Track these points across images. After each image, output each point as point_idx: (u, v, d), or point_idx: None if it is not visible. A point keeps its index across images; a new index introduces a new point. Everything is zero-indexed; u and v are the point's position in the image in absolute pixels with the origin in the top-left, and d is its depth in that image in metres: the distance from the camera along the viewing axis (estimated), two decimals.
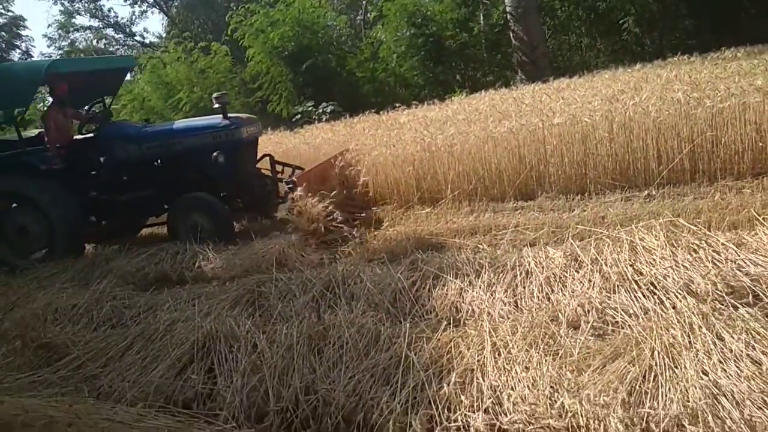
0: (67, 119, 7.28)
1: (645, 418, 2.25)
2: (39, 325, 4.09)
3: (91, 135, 7.27)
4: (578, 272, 3.67)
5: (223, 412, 2.79)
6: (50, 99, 7.68)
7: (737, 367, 2.36)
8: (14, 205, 6.93)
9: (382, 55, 18.26)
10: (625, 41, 16.87)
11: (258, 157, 7.37)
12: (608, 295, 3.39)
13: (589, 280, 3.55)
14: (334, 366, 3.02)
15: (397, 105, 11.16)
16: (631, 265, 3.53)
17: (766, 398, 2.17)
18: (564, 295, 3.50)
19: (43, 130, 7.33)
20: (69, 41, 35.25)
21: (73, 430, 1.91)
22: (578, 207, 5.72)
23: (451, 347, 2.96)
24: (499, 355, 2.82)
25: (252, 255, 5.51)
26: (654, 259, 3.54)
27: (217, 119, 6.87)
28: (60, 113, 7.16)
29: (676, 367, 2.44)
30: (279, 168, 7.36)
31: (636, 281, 3.40)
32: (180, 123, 7.75)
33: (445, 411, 2.54)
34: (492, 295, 3.68)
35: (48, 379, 3.37)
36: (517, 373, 2.67)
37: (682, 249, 3.59)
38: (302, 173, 6.64)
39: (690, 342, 2.56)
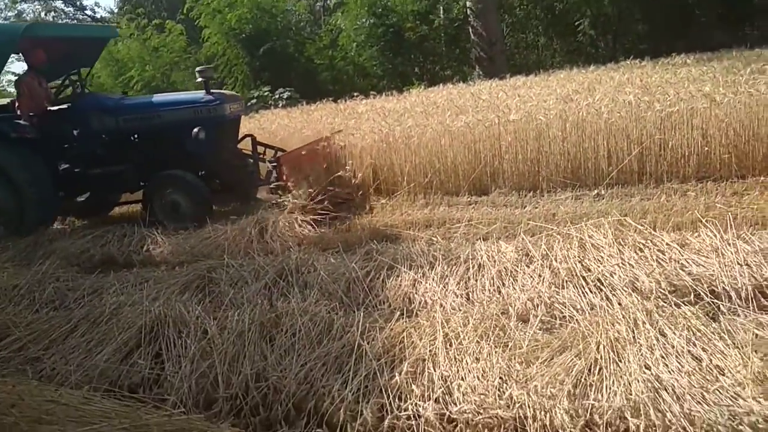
0: (43, 88, 6.96)
1: (589, 410, 2.31)
2: None
3: (65, 106, 6.93)
4: (529, 267, 3.74)
5: (171, 398, 2.74)
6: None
7: (678, 362, 2.46)
8: None
9: (341, 43, 18.19)
10: (580, 42, 17.25)
11: (239, 137, 7.14)
12: (557, 290, 3.46)
13: (539, 275, 3.62)
14: (286, 354, 3.00)
15: (355, 94, 11.14)
16: (579, 262, 3.62)
17: (705, 393, 2.26)
18: (515, 289, 3.56)
19: (14, 98, 7.01)
20: (16, 12, 33.75)
21: (16, 411, 1.85)
22: (530, 203, 5.82)
23: (403, 337, 2.98)
24: (451, 345, 2.85)
25: (203, 240, 5.41)
26: (602, 257, 3.64)
27: (199, 94, 6.63)
28: (35, 80, 6.83)
29: (621, 361, 2.52)
30: (260, 150, 7.12)
31: (584, 277, 3.49)
32: (160, 96, 7.43)
33: (396, 400, 2.56)
34: (445, 287, 3.71)
35: None
36: (467, 363, 2.70)
37: (628, 247, 3.70)
38: (286, 154, 6.46)
39: (634, 337, 2.65)
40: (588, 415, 2.30)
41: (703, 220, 4.06)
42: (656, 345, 2.58)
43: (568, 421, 2.28)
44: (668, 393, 2.30)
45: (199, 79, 6.56)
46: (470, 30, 15.95)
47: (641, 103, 6.14)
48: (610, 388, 2.40)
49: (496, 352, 2.77)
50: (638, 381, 2.38)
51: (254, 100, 15.00)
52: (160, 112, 6.61)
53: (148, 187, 6.52)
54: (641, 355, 2.53)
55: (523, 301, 3.38)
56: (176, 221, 6.03)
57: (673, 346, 2.56)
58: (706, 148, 5.75)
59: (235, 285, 4.06)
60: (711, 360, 2.46)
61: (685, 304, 2.99)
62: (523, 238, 4.08)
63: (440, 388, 2.58)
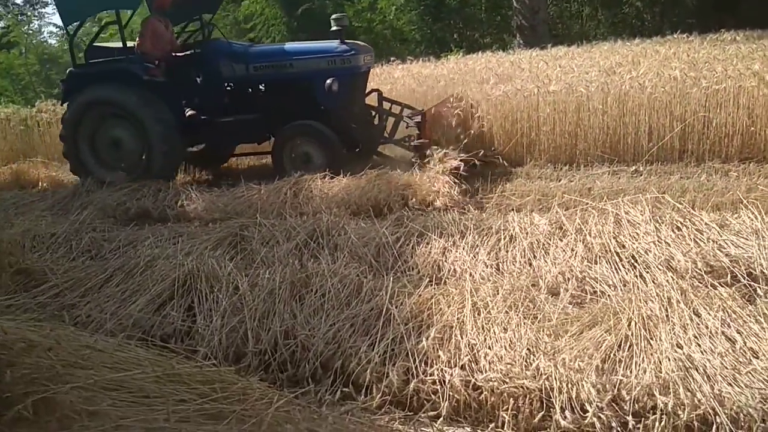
0: (168, 32, 6.75)
1: (617, 385, 2.29)
2: (17, 251, 4.04)
3: (192, 51, 6.77)
4: (562, 241, 3.69)
5: (202, 349, 2.80)
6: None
7: (711, 343, 2.42)
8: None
9: (380, 6, 17.94)
10: (625, 14, 16.78)
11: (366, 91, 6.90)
12: (589, 265, 3.42)
13: (572, 249, 3.57)
14: (315, 313, 3.03)
15: (392, 59, 11.00)
16: (614, 238, 3.56)
17: (737, 375, 2.23)
18: (546, 262, 3.53)
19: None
20: None
21: (53, 354, 1.90)
22: (565, 177, 5.75)
23: (431, 304, 2.98)
24: (479, 314, 2.84)
25: (237, 198, 5.47)
26: (637, 233, 3.57)
27: (333, 43, 6.38)
28: (161, 23, 6.64)
29: (652, 339, 2.49)
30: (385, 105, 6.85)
31: (618, 253, 3.43)
32: (292, 44, 7.13)
33: (422, 365, 2.57)
34: (475, 256, 3.69)
35: (25, 304, 3.35)
36: (495, 333, 2.70)
37: (665, 225, 3.62)
38: (429, 110, 6.06)
39: (667, 315, 2.61)
40: (615, 390, 2.28)
41: (744, 202, 3.95)
42: (689, 324, 2.54)
43: (594, 395, 2.26)
44: (699, 373, 2.27)
45: (335, 28, 6.29)
46: None
47: (687, 78, 5.96)
48: (639, 365, 2.37)
49: (524, 323, 2.76)
50: (669, 359, 2.34)
51: None
52: (293, 61, 6.39)
53: (278, 136, 6.33)
54: (674, 333, 2.50)
55: (554, 275, 3.35)
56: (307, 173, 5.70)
57: (706, 327, 2.51)
58: (752, 128, 5.59)
59: (267, 244, 4.10)
60: (745, 342, 2.42)
61: (722, 285, 2.93)
62: (557, 212, 4.02)
63: (467, 355, 2.58)
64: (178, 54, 6.75)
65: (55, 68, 19.29)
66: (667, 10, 16.45)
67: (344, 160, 6.05)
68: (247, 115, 6.47)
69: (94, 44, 7.08)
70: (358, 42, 6.82)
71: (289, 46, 6.96)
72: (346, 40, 6.38)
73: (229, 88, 6.67)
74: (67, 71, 6.72)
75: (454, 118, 6.22)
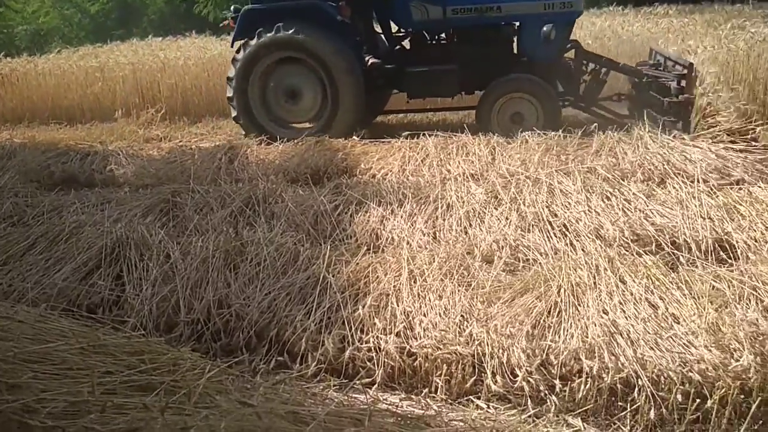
0: None
1: (546, 350, 2.37)
2: None
3: None
4: (497, 209, 3.75)
5: (131, 320, 2.72)
6: None
7: (635, 309, 2.51)
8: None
9: None
10: None
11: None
12: (523, 233, 3.49)
13: (506, 218, 3.64)
14: (250, 282, 2.99)
15: None
16: (547, 207, 3.65)
17: (658, 340, 2.32)
18: (481, 230, 3.57)
19: None
20: None
21: None
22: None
23: (368, 272, 2.98)
24: (415, 282, 2.86)
25: (169, 163, 5.30)
26: (569, 203, 3.67)
27: None
28: None
29: (580, 305, 2.57)
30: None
31: (550, 222, 3.52)
32: None
33: (358, 332, 2.59)
34: (412, 225, 3.71)
35: None
36: (430, 300, 2.73)
37: (596, 195, 3.73)
38: (692, 63, 5.06)
39: (595, 282, 2.69)
40: (544, 355, 2.36)
41: (671, 173, 4.09)
42: (615, 291, 2.62)
43: (524, 359, 2.33)
44: (623, 337, 2.36)
45: None
46: None
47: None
48: (567, 330, 2.45)
49: (459, 290, 2.80)
50: (595, 325, 2.43)
51: (227, 21, 14.48)
52: (501, 4, 5.70)
53: (488, 91, 5.69)
54: (600, 300, 2.58)
55: (489, 243, 3.41)
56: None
57: (631, 293, 2.61)
58: None
59: (200, 211, 4.01)
60: (667, 308, 2.52)
61: (647, 254, 3.04)
62: (493, 182, 4.07)
63: (402, 322, 2.61)
64: None
65: None
66: None
67: (560, 121, 5.40)
68: (438, 66, 5.83)
69: None
70: None
71: None
72: None
73: (422, 34, 6.13)
74: (233, 8, 6.24)
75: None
